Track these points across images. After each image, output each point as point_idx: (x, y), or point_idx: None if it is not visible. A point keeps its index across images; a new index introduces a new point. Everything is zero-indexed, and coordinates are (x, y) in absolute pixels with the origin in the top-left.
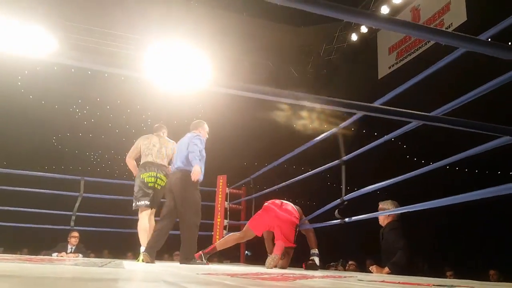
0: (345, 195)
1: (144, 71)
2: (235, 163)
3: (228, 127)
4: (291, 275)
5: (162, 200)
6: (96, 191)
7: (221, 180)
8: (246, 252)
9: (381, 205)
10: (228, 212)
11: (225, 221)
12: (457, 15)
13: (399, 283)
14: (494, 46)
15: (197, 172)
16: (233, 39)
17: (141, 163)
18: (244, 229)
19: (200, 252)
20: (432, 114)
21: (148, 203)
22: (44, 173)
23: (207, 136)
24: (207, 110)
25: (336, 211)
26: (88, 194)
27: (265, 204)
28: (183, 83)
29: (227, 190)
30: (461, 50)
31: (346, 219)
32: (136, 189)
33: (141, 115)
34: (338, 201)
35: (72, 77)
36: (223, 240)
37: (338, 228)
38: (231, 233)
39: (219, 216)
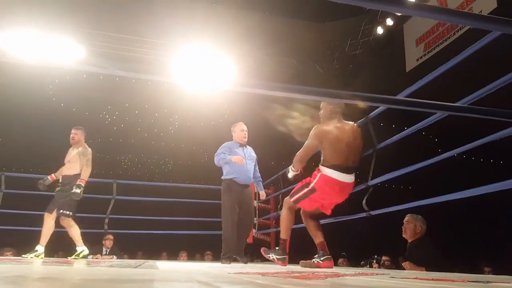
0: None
1: (170, 75)
2: (263, 163)
3: (254, 127)
4: (322, 273)
5: None
6: (128, 194)
7: None
8: None
9: (409, 217)
10: (257, 210)
11: (254, 219)
12: (487, 2)
13: (432, 279)
14: None
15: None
16: (257, 39)
17: (83, 175)
18: (289, 205)
19: (284, 255)
20: (458, 104)
21: None
22: None
23: (243, 133)
24: (233, 111)
25: (364, 201)
26: (121, 197)
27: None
28: (208, 85)
29: (256, 190)
30: (494, 34)
31: (372, 212)
32: (77, 202)
33: (168, 118)
34: (363, 186)
35: (101, 84)
36: (283, 228)
37: (370, 224)
38: (282, 214)
39: None
